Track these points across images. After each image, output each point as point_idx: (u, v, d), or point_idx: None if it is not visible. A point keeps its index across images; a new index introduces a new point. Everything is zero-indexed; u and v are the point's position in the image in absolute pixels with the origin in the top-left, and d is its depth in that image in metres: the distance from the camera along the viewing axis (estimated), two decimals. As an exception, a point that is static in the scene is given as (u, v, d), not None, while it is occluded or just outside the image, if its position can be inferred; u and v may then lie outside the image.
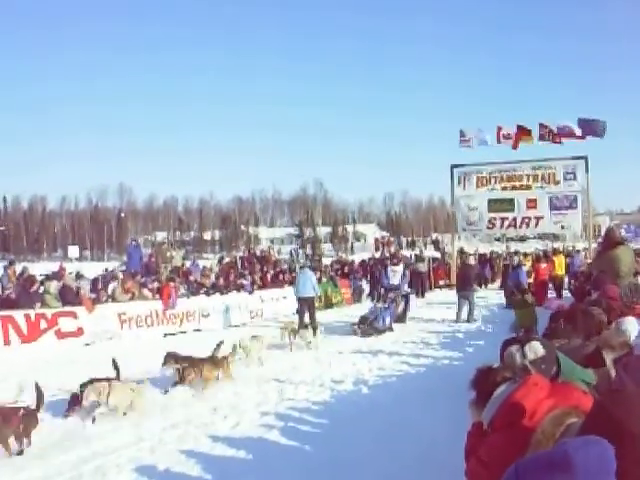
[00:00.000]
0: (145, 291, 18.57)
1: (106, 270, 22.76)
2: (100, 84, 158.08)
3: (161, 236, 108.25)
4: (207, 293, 20.32)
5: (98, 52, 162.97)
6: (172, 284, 18.85)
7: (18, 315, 14.78)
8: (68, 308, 15.88)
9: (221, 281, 21.51)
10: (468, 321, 19.25)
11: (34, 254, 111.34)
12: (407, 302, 20.00)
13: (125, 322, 17.06)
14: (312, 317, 18.04)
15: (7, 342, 14.34)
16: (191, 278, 21.14)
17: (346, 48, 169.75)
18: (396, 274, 19.51)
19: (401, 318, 19.34)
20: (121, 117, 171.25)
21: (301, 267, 21.76)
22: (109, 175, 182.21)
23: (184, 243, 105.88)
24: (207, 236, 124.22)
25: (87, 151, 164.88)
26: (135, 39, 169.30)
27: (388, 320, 17.78)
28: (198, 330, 18.77)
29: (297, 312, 18.58)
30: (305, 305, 18.15)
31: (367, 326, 17.03)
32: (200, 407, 9.42)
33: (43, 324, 15.15)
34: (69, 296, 16.31)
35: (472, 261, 23.28)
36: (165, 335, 17.72)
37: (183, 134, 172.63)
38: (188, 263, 25.37)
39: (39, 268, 24.85)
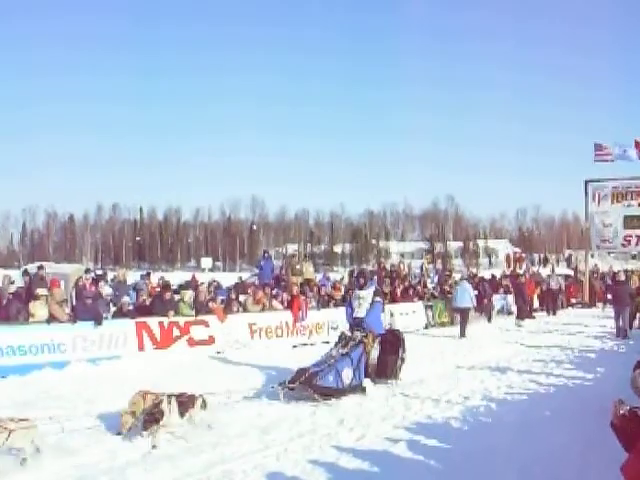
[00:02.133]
0: (275, 302, 18.62)
1: (240, 280, 22.99)
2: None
3: (292, 248, 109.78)
4: (337, 306, 20.11)
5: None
6: (302, 296, 18.91)
7: (152, 322, 15.20)
8: (200, 317, 16.11)
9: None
10: (624, 337, 18.68)
11: (168, 264, 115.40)
12: (400, 345, 12.40)
13: (255, 332, 17.22)
14: (462, 328, 20.29)
15: (141, 348, 14.80)
16: (321, 291, 21.02)
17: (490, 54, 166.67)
18: (362, 303, 12.16)
19: (388, 372, 12.17)
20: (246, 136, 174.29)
21: (460, 279, 23.10)
22: (242, 188, 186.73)
23: (315, 256, 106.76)
24: (338, 249, 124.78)
25: (220, 165, 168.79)
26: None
27: (348, 376, 10.99)
28: (327, 342, 18.62)
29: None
30: (461, 315, 20.72)
31: (302, 384, 10.36)
32: (326, 418, 9.42)
33: (176, 332, 15.51)
34: (202, 305, 16.51)
35: (622, 277, 21.90)
36: (294, 346, 17.74)
37: (314, 149, 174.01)
38: (318, 276, 25.37)
39: (173, 278, 25.44)
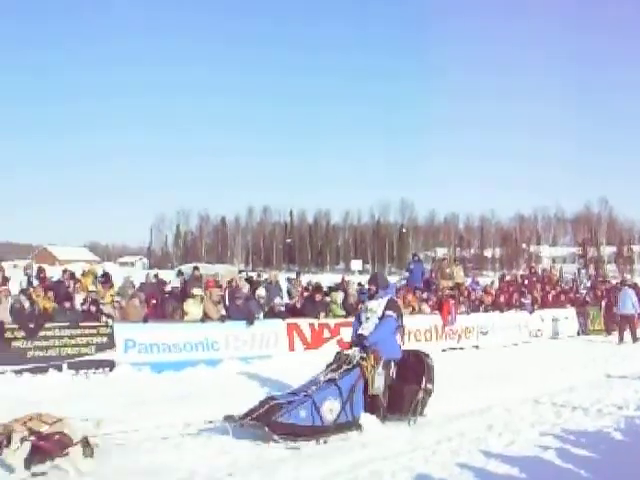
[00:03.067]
0: (425, 306, 18.56)
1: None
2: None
3: (441, 252, 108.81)
4: (487, 310, 19.89)
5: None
6: (452, 300, 18.73)
7: (303, 323, 15.50)
8: (351, 319, 16.20)
9: (501, 299, 20.97)
10: None
11: (317, 266, 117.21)
12: (424, 372, 9.60)
13: (404, 335, 17.06)
14: (633, 334, 20.14)
15: (292, 348, 15.12)
16: (471, 295, 20.81)
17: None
18: (371, 316, 9.52)
19: (404, 406, 9.39)
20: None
21: (621, 284, 22.51)
22: (391, 191, 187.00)
23: (464, 260, 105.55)
24: (487, 253, 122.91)
25: (373, 166, 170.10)
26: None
27: (333, 410, 8.44)
28: (476, 347, 18.50)
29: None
30: (625, 322, 20.33)
31: (256, 420, 7.95)
32: (474, 422, 9.28)
33: (326, 333, 15.73)
34: (352, 307, 16.69)
35: None
36: (443, 350, 17.56)
37: (465, 149, 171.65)
38: (468, 280, 25.08)
39: (322, 280, 25.82)
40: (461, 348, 18.08)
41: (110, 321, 13.54)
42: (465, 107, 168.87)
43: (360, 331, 9.45)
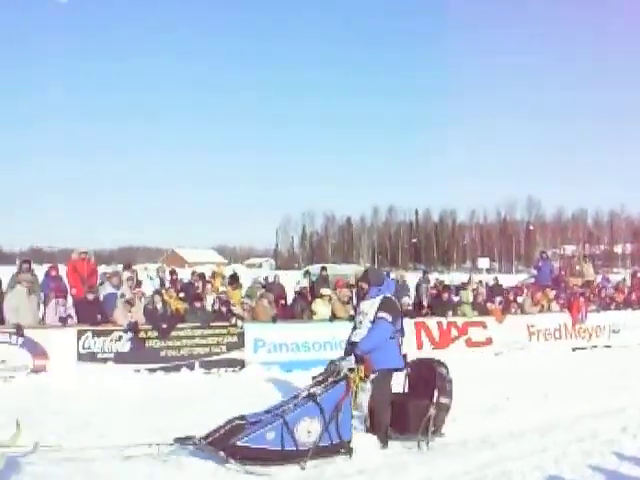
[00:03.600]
0: (554, 304, 18.03)
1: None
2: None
3: (570, 249, 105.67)
4: (618, 308, 19.14)
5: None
6: (582, 298, 18.12)
7: (431, 322, 15.37)
8: (477, 318, 16.04)
9: (633, 296, 20.06)
10: None
11: (444, 265, 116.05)
12: (436, 384, 8.19)
13: (534, 334, 16.82)
14: None
15: (420, 347, 14.99)
16: (602, 293, 20.02)
17: None
18: (364, 320, 8.18)
19: (412, 425, 8.07)
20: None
21: None
22: (518, 188, 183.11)
23: (593, 257, 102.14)
24: (618, 249, 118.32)
25: (498, 164, 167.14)
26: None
27: (311, 431, 7.12)
28: (608, 346, 17.80)
29: None
30: None
31: (211, 444, 6.85)
32: (607, 423, 8.96)
33: (454, 332, 15.58)
34: (480, 306, 16.43)
35: None
36: (574, 349, 17.17)
37: (589, 145, 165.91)
38: (598, 277, 24.16)
39: (449, 279, 25.51)
40: (593, 347, 17.48)
41: (240, 321, 13.79)
42: (596, 98, 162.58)
43: (353, 338, 8.22)
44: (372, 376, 7.74)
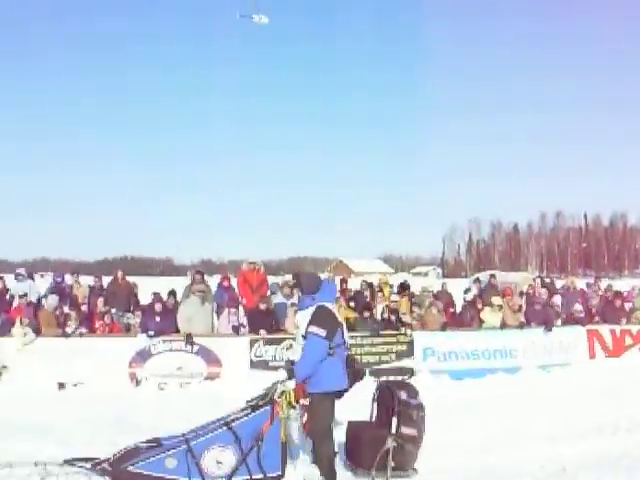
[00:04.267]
0: None
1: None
2: None
3: None
4: None
5: None
6: None
7: (604, 330, 15.00)
8: (656, 326, 15.46)
9: None
10: None
11: (615, 271, 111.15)
12: (396, 412, 6.79)
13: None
14: None
15: (592, 355, 14.71)
16: None
17: None
18: (298, 335, 6.96)
19: (365, 461, 6.75)
20: None
21: None
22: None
23: None
24: None
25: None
26: None
27: (224, 462, 6.17)
28: None
29: None
30: None
31: (115, 463, 6.08)
32: None
33: (628, 340, 15.10)
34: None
35: None
36: None
37: None
38: None
39: (620, 285, 24.63)
40: None
41: (409, 330, 14.03)
42: None
43: (290, 356, 7.32)
44: (302, 401, 6.57)
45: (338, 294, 13.70)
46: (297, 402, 6.48)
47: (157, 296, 13.93)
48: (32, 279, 15.44)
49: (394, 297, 15.36)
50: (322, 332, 6.41)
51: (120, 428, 8.67)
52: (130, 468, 5.92)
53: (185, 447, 6.11)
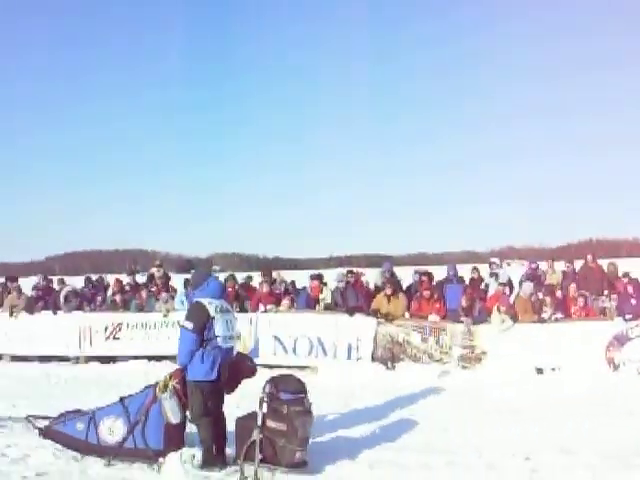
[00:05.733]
0: None
1: None
2: None
3: None
4: None
5: None
6: None
7: None
8: None
9: None
10: None
11: None
12: (261, 406, 6.82)
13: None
14: None
15: None
16: None
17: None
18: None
19: (239, 449, 6.83)
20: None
21: None
22: None
23: None
24: None
25: None
26: None
27: (115, 432, 7.26)
28: None
29: None
30: None
31: (49, 422, 7.91)
32: None
33: None
34: None
35: None
36: None
37: None
38: None
39: None
40: None
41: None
42: None
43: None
44: (172, 384, 7.11)
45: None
46: (171, 381, 7.09)
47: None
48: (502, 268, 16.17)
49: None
50: (189, 325, 6.94)
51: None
52: (54, 427, 7.62)
53: (90, 415, 7.45)
